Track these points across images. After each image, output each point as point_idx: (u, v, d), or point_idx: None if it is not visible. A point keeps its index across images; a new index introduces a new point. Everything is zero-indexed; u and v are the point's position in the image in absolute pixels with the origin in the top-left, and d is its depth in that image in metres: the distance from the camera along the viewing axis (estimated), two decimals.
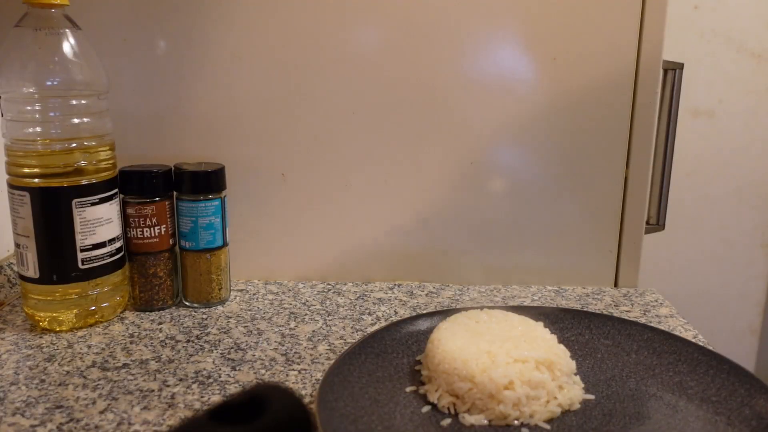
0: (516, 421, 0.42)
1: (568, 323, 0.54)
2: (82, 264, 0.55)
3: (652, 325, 0.56)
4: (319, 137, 0.66)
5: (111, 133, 0.58)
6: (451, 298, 0.65)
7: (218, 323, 0.59)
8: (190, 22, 0.63)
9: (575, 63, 0.63)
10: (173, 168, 0.61)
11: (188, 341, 0.55)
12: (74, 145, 0.54)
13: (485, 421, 0.42)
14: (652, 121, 0.64)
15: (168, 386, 0.48)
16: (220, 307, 0.62)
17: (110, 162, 0.57)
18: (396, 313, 0.61)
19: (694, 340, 0.54)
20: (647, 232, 0.68)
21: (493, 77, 0.64)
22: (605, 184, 0.66)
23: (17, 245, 0.55)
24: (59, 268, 0.55)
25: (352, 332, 0.57)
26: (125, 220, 0.59)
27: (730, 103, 1.10)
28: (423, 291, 0.67)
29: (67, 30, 0.54)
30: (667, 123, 0.66)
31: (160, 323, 0.59)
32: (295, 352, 0.53)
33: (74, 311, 0.56)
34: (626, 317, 0.59)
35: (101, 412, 0.44)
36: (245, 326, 0.58)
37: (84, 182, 0.55)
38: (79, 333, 0.56)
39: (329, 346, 0.55)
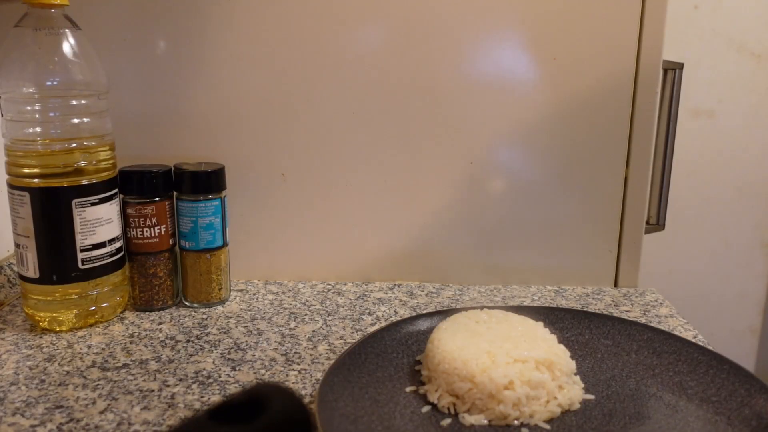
0: (516, 421, 0.42)
1: (568, 323, 0.54)
2: (82, 264, 0.55)
3: (652, 325, 0.56)
4: (319, 137, 0.66)
5: (111, 133, 0.58)
6: (451, 298, 0.65)
7: (218, 323, 0.59)
8: (190, 22, 0.63)
9: (575, 63, 0.63)
10: (173, 168, 0.61)
11: (188, 341, 0.55)
12: (74, 145, 0.54)
13: (485, 421, 0.42)
14: (652, 121, 0.64)
15: (168, 386, 0.48)
16: (220, 307, 0.62)
17: (110, 162, 0.57)
18: (396, 313, 0.61)
19: (694, 340, 0.54)
20: (647, 232, 0.68)
21: (492, 77, 0.64)
22: (605, 184, 0.66)
23: (17, 245, 0.55)
24: (59, 268, 0.55)
25: (352, 332, 0.57)
26: (125, 220, 0.59)
27: (730, 103, 1.10)
28: (423, 291, 0.67)
29: (67, 30, 0.54)
30: (667, 123, 0.66)
31: (160, 323, 0.59)
32: (295, 352, 0.53)
33: (74, 311, 0.56)
34: (626, 317, 0.59)
35: (101, 412, 0.44)
36: (245, 326, 0.58)
37: (84, 182, 0.55)
38: (79, 333, 0.56)
39: (329, 346, 0.55)
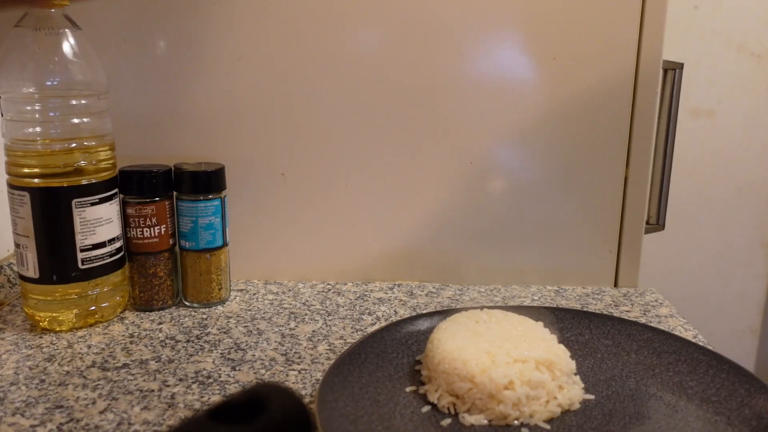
0: (516, 421, 0.42)
1: (568, 323, 0.54)
2: (82, 264, 0.55)
3: (652, 325, 0.56)
4: (319, 137, 0.66)
5: (111, 133, 0.58)
6: (451, 298, 0.65)
7: (218, 323, 0.59)
8: (190, 22, 0.63)
9: (575, 63, 0.63)
10: (173, 168, 0.61)
11: (188, 341, 0.55)
12: (74, 145, 0.54)
13: (485, 421, 0.42)
14: (652, 121, 0.64)
15: (168, 386, 0.48)
16: (220, 307, 0.62)
17: (110, 162, 0.57)
18: (396, 313, 0.61)
19: (694, 340, 0.54)
20: (647, 232, 0.68)
21: (492, 77, 0.64)
22: (605, 184, 0.66)
23: (17, 245, 0.55)
24: (59, 268, 0.55)
25: (352, 332, 0.57)
26: (125, 220, 0.59)
27: (730, 103, 1.10)
28: (423, 291, 0.67)
29: (67, 30, 0.54)
30: (667, 123, 0.66)
31: (160, 323, 0.59)
32: (295, 352, 0.53)
33: (74, 311, 0.56)
34: (626, 317, 0.59)
35: (101, 412, 0.44)
36: (245, 326, 0.58)
37: (84, 182, 0.55)
38: (79, 333, 0.56)
39: (329, 346, 0.55)
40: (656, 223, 0.69)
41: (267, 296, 0.65)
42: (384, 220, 0.67)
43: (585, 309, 0.63)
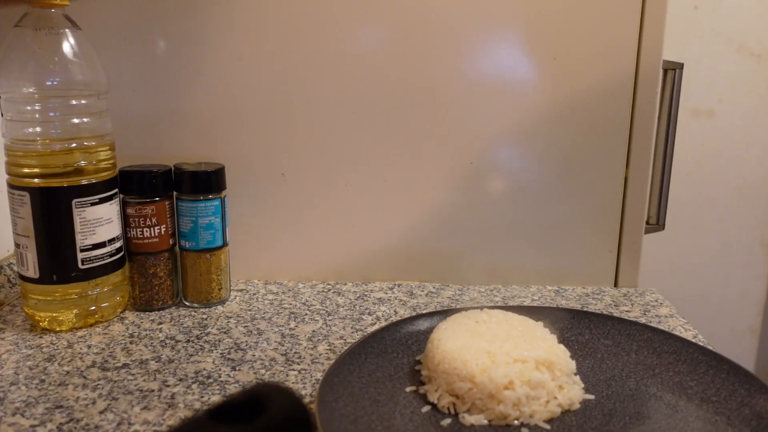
0: (516, 421, 0.42)
1: (568, 323, 0.54)
2: (82, 264, 0.55)
3: (652, 325, 0.56)
4: (319, 137, 0.66)
5: (111, 133, 0.58)
6: (451, 298, 0.65)
7: (218, 323, 0.59)
8: (190, 22, 0.63)
9: (575, 63, 0.63)
10: (173, 168, 0.61)
11: (188, 341, 0.55)
12: (74, 145, 0.54)
13: (485, 421, 0.42)
14: (652, 121, 0.64)
15: (168, 386, 0.48)
16: (220, 307, 0.62)
17: (110, 162, 0.57)
18: (396, 313, 0.61)
19: (694, 340, 0.54)
20: (647, 232, 0.68)
21: (492, 77, 0.64)
22: (605, 184, 0.66)
23: (17, 245, 0.55)
24: (59, 268, 0.55)
25: (352, 332, 0.57)
26: (125, 220, 0.59)
27: (730, 103, 1.10)
28: (423, 291, 0.67)
29: (67, 30, 0.54)
30: (667, 123, 0.66)
31: (160, 323, 0.59)
32: (295, 352, 0.53)
33: (74, 311, 0.56)
34: (626, 317, 0.59)
35: (101, 412, 0.44)
36: (245, 326, 0.58)
37: (84, 182, 0.55)
38: (79, 333, 0.56)
39: (329, 346, 0.55)
40: (656, 223, 0.69)
41: (267, 296, 0.65)
42: (384, 220, 0.67)
43: (585, 309, 0.63)
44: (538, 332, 0.47)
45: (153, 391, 0.47)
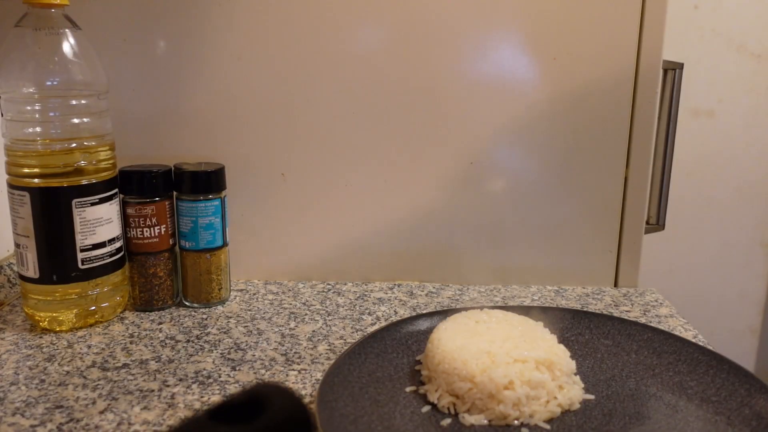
0: (516, 421, 0.42)
1: (568, 323, 0.54)
2: (82, 264, 0.55)
3: (652, 325, 0.56)
4: (319, 137, 0.66)
5: (111, 133, 0.58)
6: (451, 298, 0.65)
7: (218, 323, 0.59)
8: (190, 22, 0.63)
9: (575, 63, 0.63)
10: (173, 168, 0.61)
11: (188, 341, 0.55)
12: (74, 145, 0.54)
13: (485, 421, 0.42)
14: (652, 121, 0.64)
15: (168, 386, 0.48)
16: (220, 307, 0.62)
17: (110, 162, 0.57)
18: (396, 313, 0.61)
19: (694, 340, 0.54)
20: (647, 232, 0.68)
21: (493, 77, 0.64)
22: (605, 184, 0.66)
23: (17, 245, 0.55)
24: (59, 268, 0.55)
25: (352, 332, 0.57)
26: (125, 220, 0.59)
27: (730, 103, 1.10)
28: (423, 291, 0.67)
29: (67, 30, 0.54)
30: (667, 123, 0.66)
31: (160, 323, 0.59)
32: (295, 352, 0.53)
33: (74, 311, 0.56)
34: (626, 317, 0.59)
35: (101, 412, 0.44)
36: (245, 326, 0.58)
37: (84, 182, 0.55)
38: (79, 333, 0.56)
39: (329, 346, 0.55)
40: (656, 223, 0.69)
41: (267, 296, 0.65)
42: (384, 220, 0.67)
43: (585, 309, 0.63)
44: (538, 332, 0.47)
45: (153, 391, 0.47)
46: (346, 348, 0.51)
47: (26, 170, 0.53)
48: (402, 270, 0.69)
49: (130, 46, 0.64)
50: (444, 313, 0.54)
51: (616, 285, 0.69)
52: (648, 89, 0.63)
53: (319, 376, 0.50)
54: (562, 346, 0.46)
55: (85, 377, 0.49)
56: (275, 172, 0.67)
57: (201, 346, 0.54)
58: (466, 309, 0.52)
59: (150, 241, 0.59)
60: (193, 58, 0.64)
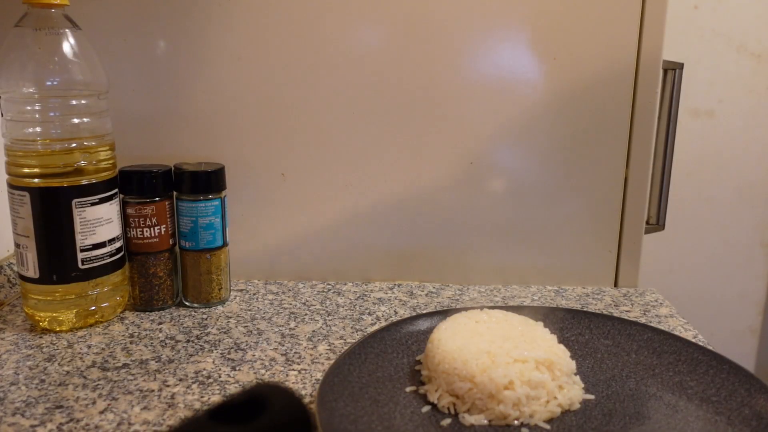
0: (516, 421, 0.42)
1: (568, 323, 0.54)
2: (82, 264, 0.55)
3: (652, 325, 0.56)
4: (319, 137, 0.66)
5: (111, 133, 0.58)
6: (451, 298, 0.65)
7: (218, 323, 0.59)
8: (190, 22, 0.63)
9: (575, 63, 0.63)
10: (173, 168, 0.61)
11: (188, 341, 0.55)
12: (74, 145, 0.54)
13: (485, 421, 0.42)
14: (652, 121, 0.64)
15: (168, 386, 0.48)
16: (220, 307, 0.62)
17: (110, 162, 0.57)
18: (396, 313, 0.62)
19: (694, 340, 0.54)
20: (647, 232, 0.68)
21: (493, 77, 0.64)
22: (605, 184, 0.66)
23: (17, 245, 0.55)
24: (59, 268, 0.55)
25: (352, 332, 0.57)
26: (125, 220, 0.59)
27: (730, 103, 1.10)
28: (423, 291, 0.67)
29: (67, 30, 0.54)
30: (667, 123, 0.66)
31: (160, 323, 0.59)
32: (295, 352, 0.53)
33: (74, 311, 0.56)
34: (626, 317, 0.59)
35: (101, 412, 0.44)
36: (245, 326, 0.58)
37: (84, 182, 0.55)
38: (79, 333, 0.56)
39: (329, 346, 0.55)
40: (656, 223, 0.69)
41: (267, 296, 0.65)
42: (384, 220, 0.68)
43: (585, 309, 0.63)
44: (538, 332, 0.47)
45: (153, 391, 0.47)
46: (346, 348, 0.51)
47: (26, 170, 0.53)
48: (402, 270, 0.69)
49: (130, 46, 0.64)
50: (444, 313, 0.54)
51: (616, 285, 0.69)
52: (648, 89, 0.63)
53: (319, 376, 0.50)
54: (562, 346, 0.46)
55: (85, 377, 0.49)
56: (275, 172, 0.67)
57: (201, 346, 0.54)
58: (466, 309, 0.52)
59: (150, 241, 0.59)
60: (193, 58, 0.64)
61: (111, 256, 0.57)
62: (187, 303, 0.63)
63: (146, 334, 0.56)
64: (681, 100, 0.67)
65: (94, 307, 0.57)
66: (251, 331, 0.57)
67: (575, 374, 0.47)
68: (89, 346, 0.54)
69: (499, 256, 0.68)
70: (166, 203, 0.60)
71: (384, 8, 0.62)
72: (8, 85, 0.52)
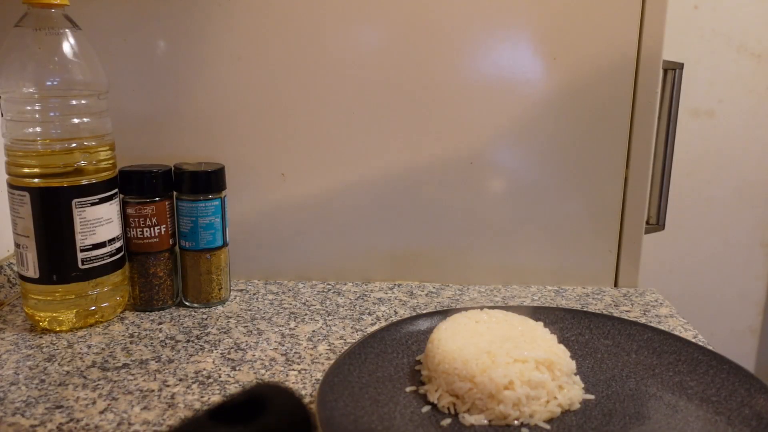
0: (516, 421, 0.42)
1: (568, 323, 0.54)
2: (82, 264, 0.55)
3: (652, 325, 0.56)
4: (319, 137, 0.66)
5: (111, 133, 0.58)
6: (451, 298, 0.65)
7: (218, 323, 0.59)
8: (190, 22, 0.63)
9: (575, 63, 0.63)
10: (173, 168, 0.61)
11: (188, 341, 0.55)
12: (74, 145, 0.54)
13: (485, 421, 0.42)
14: (652, 121, 0.64)
15: (168, 386, 0.48)
16: (220, 307, 0.62)
17: (110, 162, 0.57)
18: (396, 313, 0.61)
19: (694, 340, 0.54)
20: (647, 232, 0.68)
21: (492, 77, 0.64)
22: (605, 184, 0.66)
23: (17, 245, 0.55)
24: (59, 268, 0.55)
25: (352, 332, 0.57)
26: (125, 220, 0.59)
27: (730, 103, 1.10)
28: (423, 291, 0.67)
29: (67, 30, 0.54)
30: (667, 123, 0.66)
31: (160, 323, 0.59)
32: (295, 352, 0.53)
33: (74, 311, 0.56)
34: (626, 317, 0.59)
35: (101, 412, 0.44)
36: (245, 326, 0.58)
37: (84, 182, 0.55)
38: (79, 333, 0.56)
39: (329, 346, 0.55)
40: (656, 223, 0.69)
41: (267, 296, 0.65)
42: (384, 219, 0.68)
43: (585, 309, 0.63)
44: (538, 332, 0.47)
45: (153, 391, 0.47)
46: (346, 348, 0.51)
47: (26, 170, 0.53)
48: (402, 270, 0.69)
49: (130, 46, 0.64)
50: (444, 313, 0.54)
51: (616, 285, 0.69)
52: (648, 89, 0.63)
53: (319, 376, 0.50)
54: (562, 346, 0.46)
55: (85, 377, 0.49)
56: (275, 172, 0.67)
57: (201, 346, 0.54)
58: (466, 309, 0.52)
59: (150, 241, 0.59)
60: (193, 58, 0.64)
61: (111, 256, 0.57)
62: (187, 303, 0.63)
63: (146, 334, 0.56)
64: (681, 100, 0.67)
65: (94, 307, 0.57)
66: (251, 331, 0.57)
67: (575, 374, 0.47)
68: (89, 346, 0.54)
69: (499, 256, 0.68)
70: (166, 203, 0.60)
71: (384, 9, 0.62)
72: (8, 85, 0.52)
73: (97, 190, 0.55)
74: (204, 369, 0.50)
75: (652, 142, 0.65)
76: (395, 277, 0.69)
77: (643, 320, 0.60)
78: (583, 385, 0.46)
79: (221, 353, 0.53)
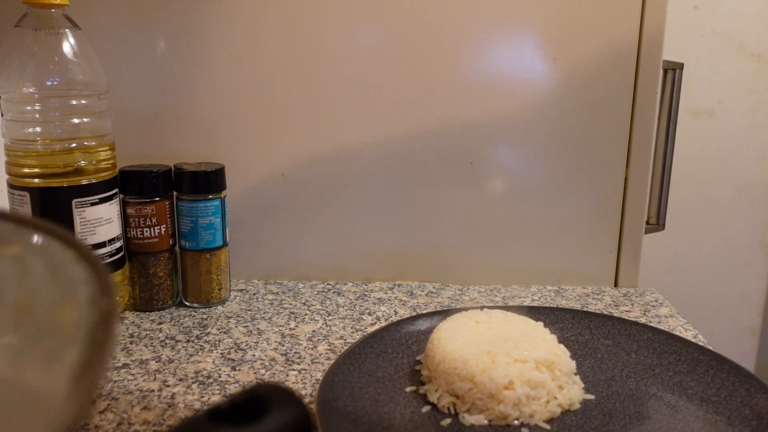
0: (516, 421, 0.42)
1: (568, 323, 0.54)
2: None
3: (652, 325, 0.56)
4: (319, 137, 0.66)
5: (111, 133, 0.58)
6: (451, 298, 0.65)
7: (218, 323, 0.59)
8: (190, 22, 0.63)
9: (575, 63, 0.63)
10: (173, 168, 0.61)
11: (188, 341, 0.55)
12: (74, 145, 0.54)
13: (485, 421, 0.42)
14: (652, 121, 0.64)
15: (168, 386, 0.48)
16: (220, 307, 0.62)
17: (110, 162, 0.57)
18: (396, 313, 0.62)
19: (694, 340, 0.54)
20: (647, 232, 0.68)
21: (492, 77, 0.64)
22: (605, 184, 0.66)
23: None
24: None
25: (352, 332, 0.57)
26: (125, 220, 0.59)
27: (730, 103, 1.10)
28: (423, 291, 0.67)
29: (67, 30, 0.54)
30: (667, 123, 0.66)
31: (160, 323, 0.59)
32: (295, 352, 0.53)
33: None
34: (626, 317, 0.59)
35: (101, 412, 0.44)
36: (245, 326, 0.58)
37: (84, 182, 0.55)
38: None
39: (329, 346, 0.55)
40: (656, 223, 0.69)
41: (267, 296, 0.65)
42: (384, 220, 0.68)
43: (585, 309, 0.63)
44: (538, 332, 0.47)
45: (153, 391, 0.47)
46: (346, 348, 0.51)
47: (26, 170, 0.53)
48: (402, 270, 0.69)
49: (130, 46, 0.64)
50: (444, 313, 0.54)
51: (616, 285, 0.69)
52: (648, 89, 0.63)
53: (319, 376, 0.50)
54: (562, 346, 0.46)
55: None
56: (275, 172, 0.67)
57: (201, 346, 0.54)
58: (466, 309, 0.52)
59: (150, 241, 0.59)
60: (193, 58, 0.64)
61: (111, 256, 0.57)
62: (187, 303, 0.63)
63: (146, 334, 0.56)
64: (681, 100, 0.67)
65: None
66: (251, 331, 0.57)
67: (575, 374, 0.47)
68: None
69: (499, 256, 0.68)
70: (166, 203, 0.60)
71: (384, 9, 0.62)
72: (8, 85, 0.52)
73: (97, 190, 0.55)
74: (204, 369, 0.50)
75: (652, 142, 0.65)
76: (395, 277, 0.69)
77: (643, 320, 0.60)
78: (583, 385, 0.46)
79: (221, 353, 0.53)
